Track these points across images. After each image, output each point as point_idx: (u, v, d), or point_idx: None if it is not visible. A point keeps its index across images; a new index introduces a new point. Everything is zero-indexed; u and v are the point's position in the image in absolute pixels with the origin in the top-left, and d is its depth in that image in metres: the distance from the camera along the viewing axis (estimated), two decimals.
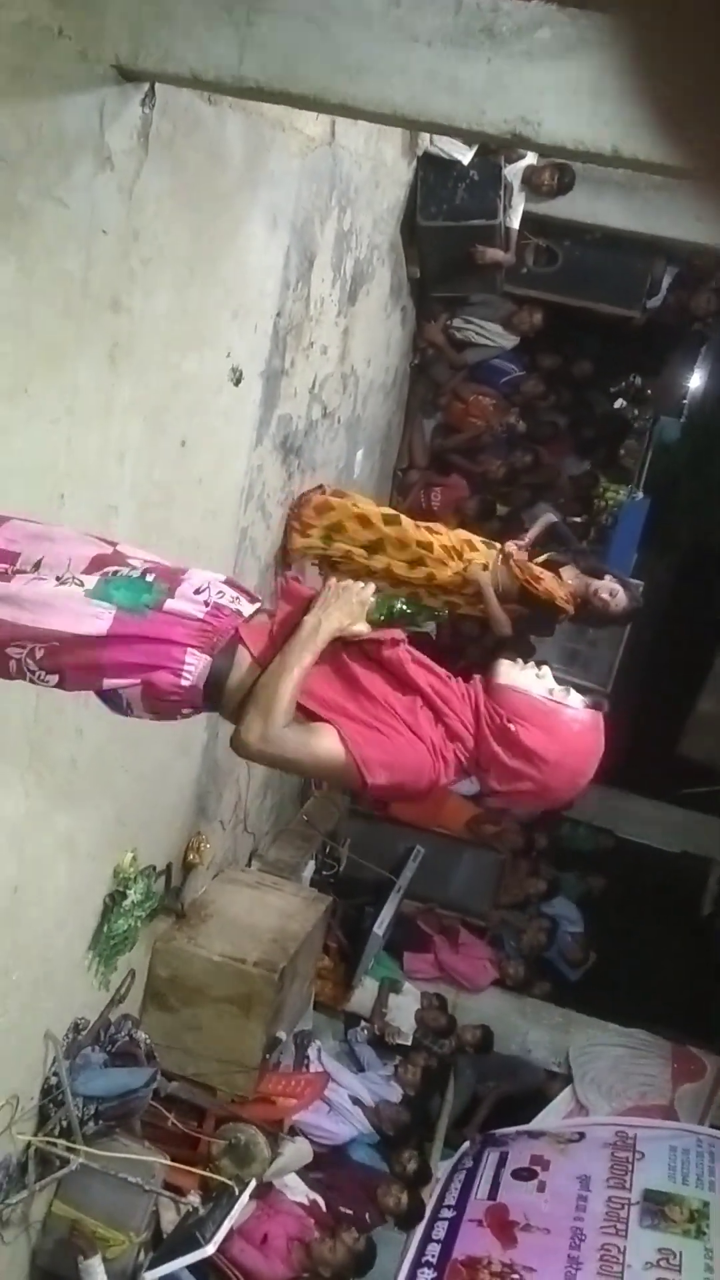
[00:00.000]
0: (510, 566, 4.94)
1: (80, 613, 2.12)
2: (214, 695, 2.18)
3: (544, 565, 4.99)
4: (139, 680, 2.16)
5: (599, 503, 9.00)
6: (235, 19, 2.72)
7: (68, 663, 2.15)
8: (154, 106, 3.15)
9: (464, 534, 5.19)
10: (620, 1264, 5.43)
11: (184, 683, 2.16)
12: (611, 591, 4.90)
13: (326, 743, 2.10)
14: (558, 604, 4.87)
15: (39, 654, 2.14)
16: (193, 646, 2.15)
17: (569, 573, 4.96)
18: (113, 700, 2.24)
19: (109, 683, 2.17)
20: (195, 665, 2.15)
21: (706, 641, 10.29)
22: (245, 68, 2.76)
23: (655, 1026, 7.47)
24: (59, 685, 2.19)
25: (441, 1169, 6.30)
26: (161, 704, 2.20)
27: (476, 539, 5.15)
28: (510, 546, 5.04)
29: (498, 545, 5.08)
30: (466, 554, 5.02)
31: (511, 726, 2.19)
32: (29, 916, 3.63)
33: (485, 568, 4.96)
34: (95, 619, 2.12)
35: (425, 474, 8.04)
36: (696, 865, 10.07)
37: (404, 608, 2.28)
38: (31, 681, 2.18)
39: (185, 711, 2.23)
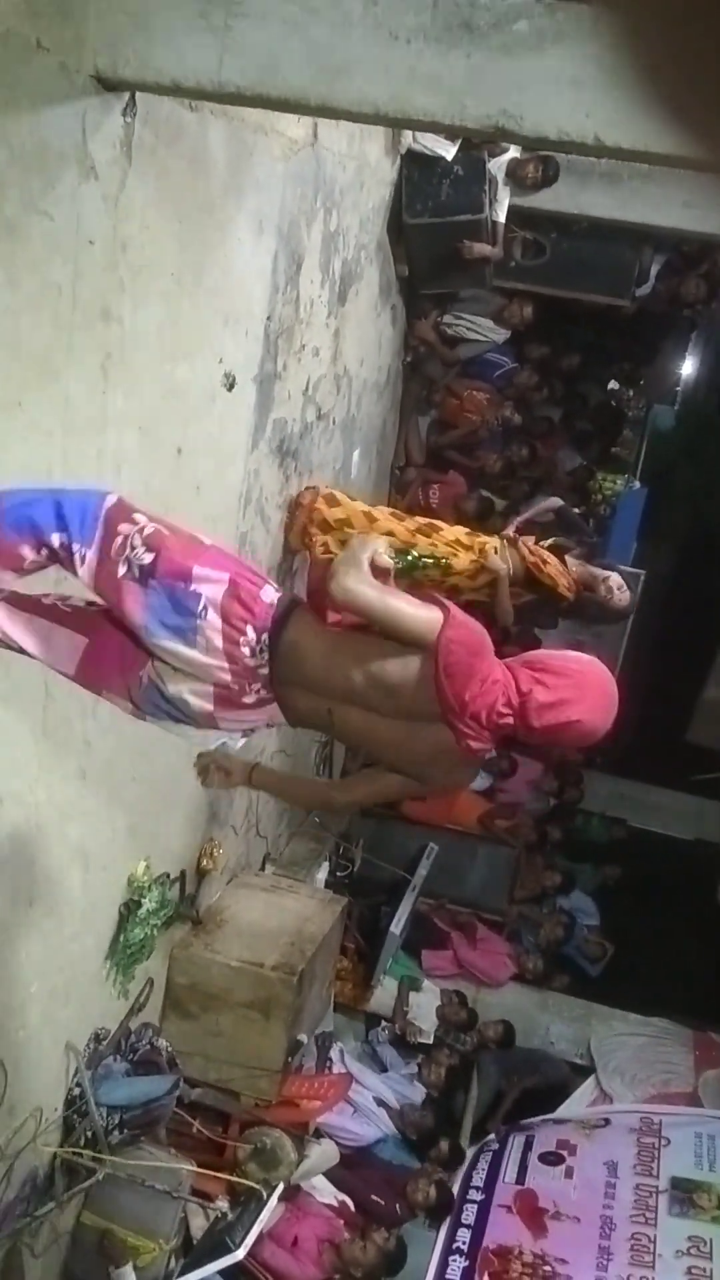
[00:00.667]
0: (519, 548, 4.92)
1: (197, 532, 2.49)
2: (276, 632, 2.38)
3: (549, 550, 4.97)
4: (228, 576, 2.37)
5: (596, 495, 9.02)
6: (213, 25, 2.73)
7: (170, 544, 2.38)
8: (136, 116, 3.15)
9: (461, 529, 5.19)
10: (651, 1253, 5.42)
11: (264, 597, 2.39)
12: (618, 586, 4.87)
13: (409, 606, 2.36)
14: (559, 590, 4.85)
15: (148, 531, 2.37)
16: (269, 584, 2.45)
17: (574, 561, 4.95)
18: (188, 602, 2.35)
19: (199, 571, 2.36)
20: (273, 592, 2.43)
21: (710, 628, 10.28)
22: (225, 73, 2.77)
23: (676, 1014, 7.47)
24: (150, 565, 2.35)
25: (468, 1153, 6.31)
26: (236, 609, 2.36)
27: (477, 536, 5.14)
28: (509, 530, 5.04)
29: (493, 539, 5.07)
30: (476, 544, 5.01)
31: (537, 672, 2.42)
32: (45, 928, 3.64)
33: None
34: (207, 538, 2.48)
35: (422, 471, 8.04)
36: (711, 851, 10.07)
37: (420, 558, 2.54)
38: (126, 556, 2.35)
39: (249, 635, 2.36)
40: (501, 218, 6.67)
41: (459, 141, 6.29)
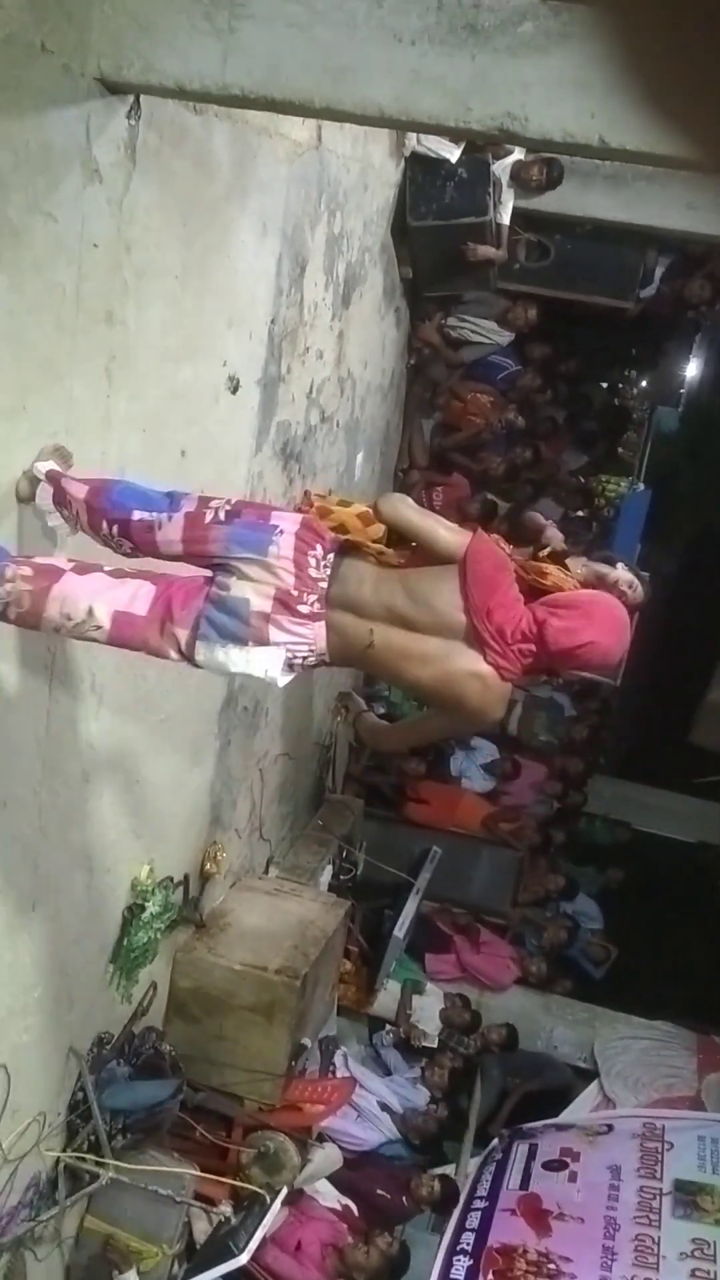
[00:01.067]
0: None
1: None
2: (337, 557, 2.86)
3: (549, 559, 4.93)
4: (301, 519, 2.84)
5: (599, 498, 9.01)
6: (217, 27, 2.72)
7: (248, 508, 2.89)
8: (140, 118, 3.15)
9: None
10: (655, 1254, 5.41)
11: (328, 534, 2.89)
12: (628, 583, 4.76)
13: (443, 524, 2.91)
14: None
15: (232, 503, 2.86)
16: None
17: (576, 563, 4.89)
18: (265, 529, 2.79)
19: (276, 517, 2.84)
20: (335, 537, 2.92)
21: (714, 629, 10.27)
22: (229, 75, 2.76)
23: (679, 1017, 7.45)
24: (233, 511, 2.83)
25: (471, 1165, 6.29)
26: (308, 534, 2.81)
27: None
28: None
29: None
30: None
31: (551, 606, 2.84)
32: (48, 932, 3.63)
33: None
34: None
35: (426, 474, 8.03)
36: (714, 854, 10.06)
37: None
38: (212, 520, 2.83)
39: (317, 551, 2.81)
40: (506, 220, 6.66)
41: (463, 144, 6.28)
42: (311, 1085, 5.49)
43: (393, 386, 7.28)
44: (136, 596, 2.79)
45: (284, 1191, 4.76)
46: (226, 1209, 4.61)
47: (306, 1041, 5.24)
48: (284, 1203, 4.81)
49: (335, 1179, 5.52)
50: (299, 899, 5.60)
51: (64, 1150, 3.96)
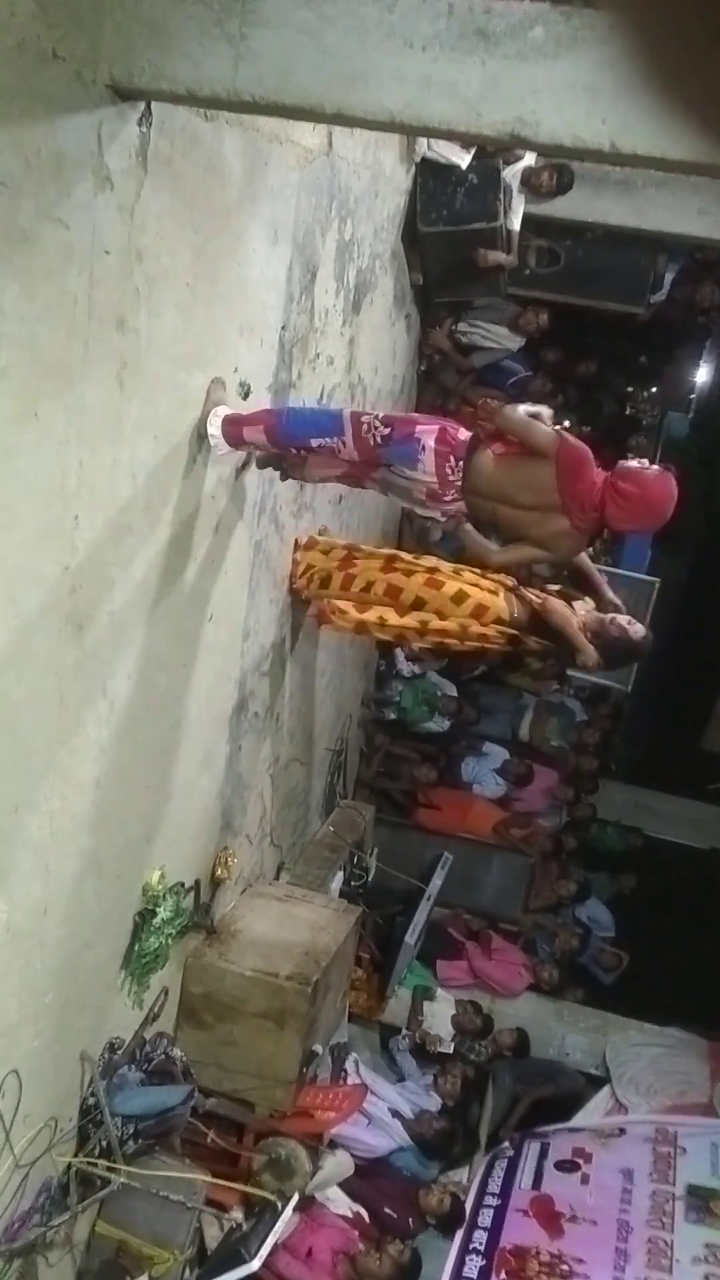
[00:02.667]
0: (524, 595, 4.89)
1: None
2: (468, 458, 3.98)
3: (558, 595, 4.88)
4: (439, 426, 4.01)
5: None
6: (228, 33, 2.73)
7: (398, 420, 4.08)
8: (151, 125, 3.16)
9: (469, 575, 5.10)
10: (669, 1258, 5.42)
11: (460, 436, 4.01)
12: (628, 622, 4.75)
13: (541, 427, 3.95)
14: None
15: (380, 418, 4.03)
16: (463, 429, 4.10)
17: (581, 605, 4.82)
18: (414, 446, 3.98)
19: (419, 429, 4.00)
20: (465, 433, 4.06)
21: None
22: (240, 81, 2.77)
23: (692, 1024, 7.43)
24: (387, 435, 3.99)
25: (480, 1161, 6.29)
26: (444, 447, 3.96)
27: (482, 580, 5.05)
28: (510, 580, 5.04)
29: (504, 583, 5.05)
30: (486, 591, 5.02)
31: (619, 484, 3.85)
32: (59, 938, 3.64)
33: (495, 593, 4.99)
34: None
35: None
36: None
37: None
38: (364, 432, 4.00)
39: (452, 461, 3.97)
40: (516, 226, 6.67)
41: (473, 149, 6.29)
42: (323, 1092, 5.49)
43: (403, 392, 7.28)
44: (328, 470, 4.42)
45: (295, 1198, 4.74)
46: (238, 1215, 4.60)
47: (318, 1048, 5.23)
48: (295, 1209, 4.80)
49: (346, 1185, 5.51)
50: (310, 905, 5.60)
51: (76, 1156, 3.95)
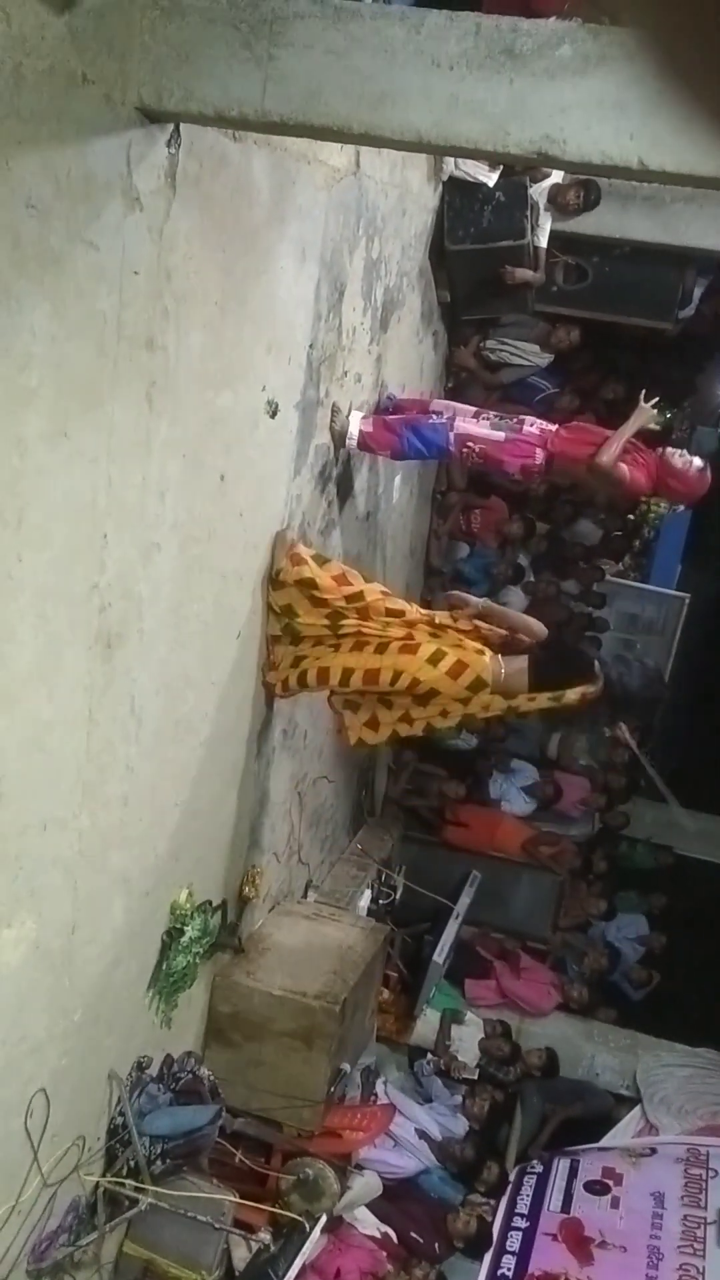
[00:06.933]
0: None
1: None
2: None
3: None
4: (520, 464, 5.22)
5: (637, 518, 8.95)
6: (256, 55, 2.74)
7: (490, 451, 5.20)
8: (180, 146, 3.17)
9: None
10: None
11: (538, 460, 5.22)
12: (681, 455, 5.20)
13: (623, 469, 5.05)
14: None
15: (479, 450, 5.19)
16: None
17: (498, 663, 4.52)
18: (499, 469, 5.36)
19: (507, 461, 5.22)
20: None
21: None
22: (268, 102, 2.78)
23: None
24: (481, 464, 5.36)
25: (510, 1176, 6.25)
26: (530, 471, 5.28)
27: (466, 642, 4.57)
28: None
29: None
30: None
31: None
32: (87, 956, 3.64)
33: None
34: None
35: (464, 496, 8.04)
36: None
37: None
38: (462, 455, 5.29)
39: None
40: (543, 243, 6.67)
41: (500, 168, 6.30)
42: (351, 1112, 5.46)
43: None
44: None
45: (323, 1219, 4.72)
46: (266, 1236, 4.59)
47: (345, 1066, 5.21)
48: (323, 1230, 4.78)
49: (374, 1206, 5.48)
50: (337, 923, 5.58)
51: (103, 1175, 3.95)
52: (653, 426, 5.50)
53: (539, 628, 4.57)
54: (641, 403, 5.19)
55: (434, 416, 5.38)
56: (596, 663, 4.57)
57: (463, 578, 7.91)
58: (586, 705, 4.50)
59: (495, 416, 5.41)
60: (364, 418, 5.29)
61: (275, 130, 2.95)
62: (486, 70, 2.64)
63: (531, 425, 5.28)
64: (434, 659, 4.43)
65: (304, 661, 4.70)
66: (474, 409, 5.57)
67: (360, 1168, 5.46)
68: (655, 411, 5.29)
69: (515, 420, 5.32)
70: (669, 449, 5.17)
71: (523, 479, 5.59)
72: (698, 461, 5.10)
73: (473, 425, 5.30)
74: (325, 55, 2.71)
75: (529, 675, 4.42)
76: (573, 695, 4.42)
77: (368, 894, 6.56)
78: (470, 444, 5.22)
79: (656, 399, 5.25)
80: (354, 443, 5.22)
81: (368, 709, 4.77)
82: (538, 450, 5.19)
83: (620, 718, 5.59)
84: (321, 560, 4.68)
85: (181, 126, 3.13)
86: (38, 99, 2.49)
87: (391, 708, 4.69)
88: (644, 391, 5.26)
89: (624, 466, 5.06)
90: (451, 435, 5.20)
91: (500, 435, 5.23)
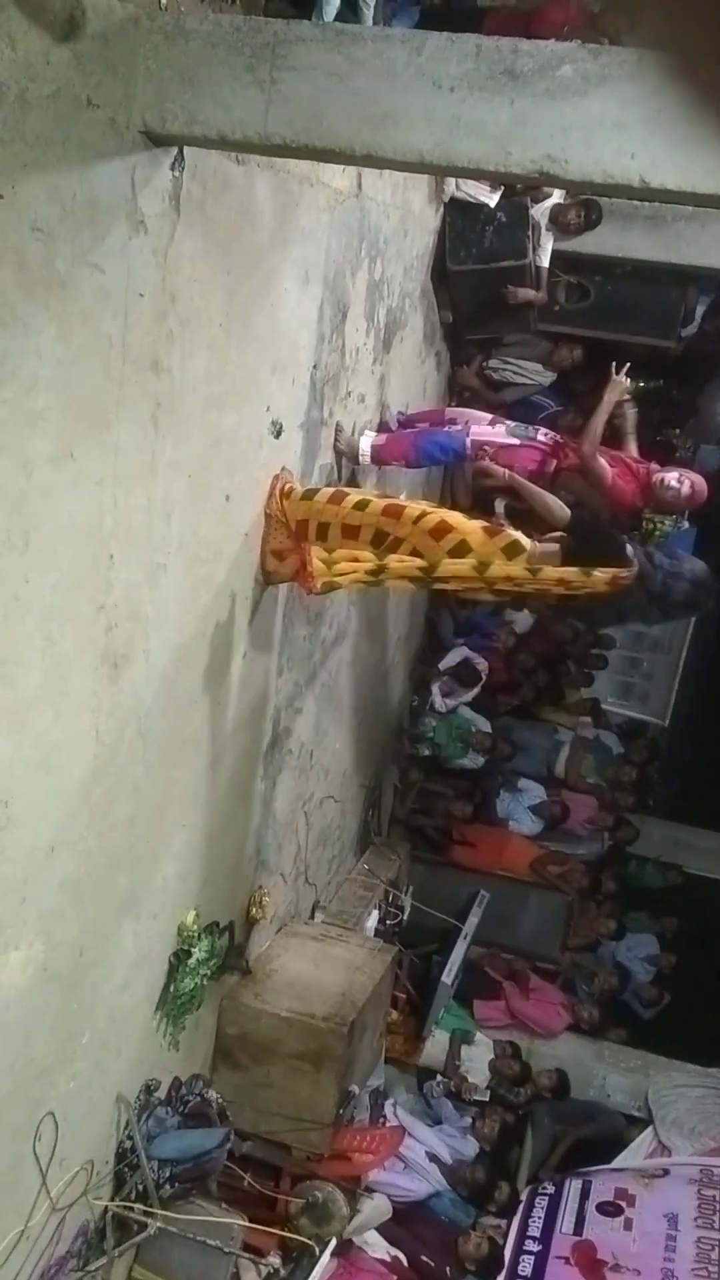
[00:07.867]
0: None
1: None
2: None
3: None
4: (529, 472, 5.36)
5: (642, 536, 8.92)
6: (259, 78, 2.76)
7: (502, 458, 5.46)
8: (184, 169, 3.20)
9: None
10: None
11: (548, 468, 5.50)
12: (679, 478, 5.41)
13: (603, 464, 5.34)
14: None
15: (495, 452, 5.48)
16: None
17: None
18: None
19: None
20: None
21: None
22: (271, 125, 2.80)
23: None
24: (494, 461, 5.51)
25: (521, 1195, 6.19)
26: (540, 474, 5.44)
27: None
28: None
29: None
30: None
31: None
32: (94, 978, 3.62)
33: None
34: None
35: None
36: None
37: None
38: (477, 456, 5.49)
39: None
40: (545, 263, 6.71)
41: (501, 188, 6.33)
42: (360, 1134, 5.42)
43: None
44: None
45: (333, 1242, 4.68)
46: (275, 1260, 4.55)
47: (354, 1088, 5.18)
48: (333, 1253, 4.74)
49: (384, 1229, 5.44)
50: (345, 945, 5.56)
51: (112, 1199, 3.93)
52: (625, 398, 5.54)
53: (561, 511, 4.75)
54: (613, 374, 5.27)
55: (450, 425, 5.63)
56: (630, 548, 4.35)
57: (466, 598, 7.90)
58: (618, 589, 4.21)
59: (510, 424, 5.69)
60: (376, 435, 5.46)
61: (278, 152, 2.97)
62: (488, 91, 2.65)
63: (545, 435, 5.61)
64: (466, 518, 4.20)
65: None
66: (489, 416, 5.84)
67: (370, 1190, 5.42)
68: (627, 381, 5.34)
69: (529, 428, 5.63)
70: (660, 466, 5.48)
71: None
72: (686, 476, 5.40)
73: (488, 431, 5.56)
74: (327, 78, 2.73)
75: (559, 560, 4.18)
76: (602, 575, 4.14)
77: (375, 914, 6.53)
78: (485, 448, 5.53)
79: (628, 365, 5.32)
80: (367, 459, 5.33)
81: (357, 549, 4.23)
82: (549, 460, 5.50)
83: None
84: (312, 492, 4.36)
85: (185, 150, 3.15)
86: (43, 123, 2.51)
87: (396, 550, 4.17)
88: (614, 364, 5.32)
89: (603, 461, 5.35)
90: (468, 440, 5.43)
91: (515, 441, 5.52)
